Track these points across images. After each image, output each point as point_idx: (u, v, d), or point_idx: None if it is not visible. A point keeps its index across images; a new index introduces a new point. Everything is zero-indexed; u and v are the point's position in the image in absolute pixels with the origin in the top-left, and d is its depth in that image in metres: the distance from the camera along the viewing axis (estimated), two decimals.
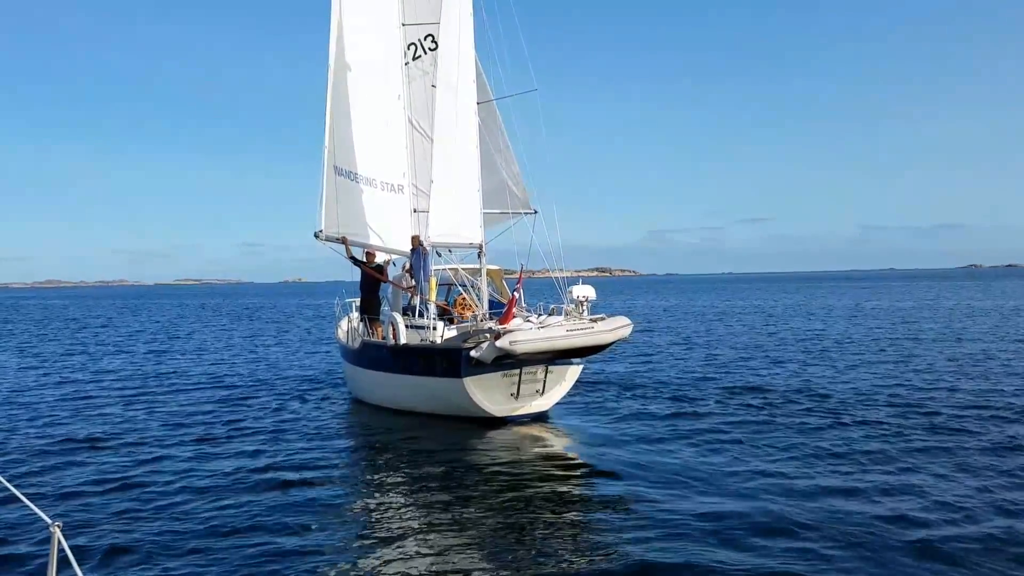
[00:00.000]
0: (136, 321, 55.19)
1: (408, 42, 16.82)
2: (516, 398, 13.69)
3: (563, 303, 13.75)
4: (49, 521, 3.84)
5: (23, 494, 4.53)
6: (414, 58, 16.55)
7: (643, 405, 15.39)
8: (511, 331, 12.48)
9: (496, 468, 10.89)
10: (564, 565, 7.32)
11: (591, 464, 11.25)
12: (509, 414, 13.77)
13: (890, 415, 13.80)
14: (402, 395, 14.68)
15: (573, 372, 14.40)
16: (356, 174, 16.73)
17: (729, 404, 15.31)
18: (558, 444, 12.71)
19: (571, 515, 8.89)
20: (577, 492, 9.96)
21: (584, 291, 13.69)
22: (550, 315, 13.73)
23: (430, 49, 16.33)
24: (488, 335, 12.67)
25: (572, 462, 11.54)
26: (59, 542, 3.79)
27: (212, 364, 24.84)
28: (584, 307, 13.63)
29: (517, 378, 13.50)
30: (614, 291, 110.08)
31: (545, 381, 13.85)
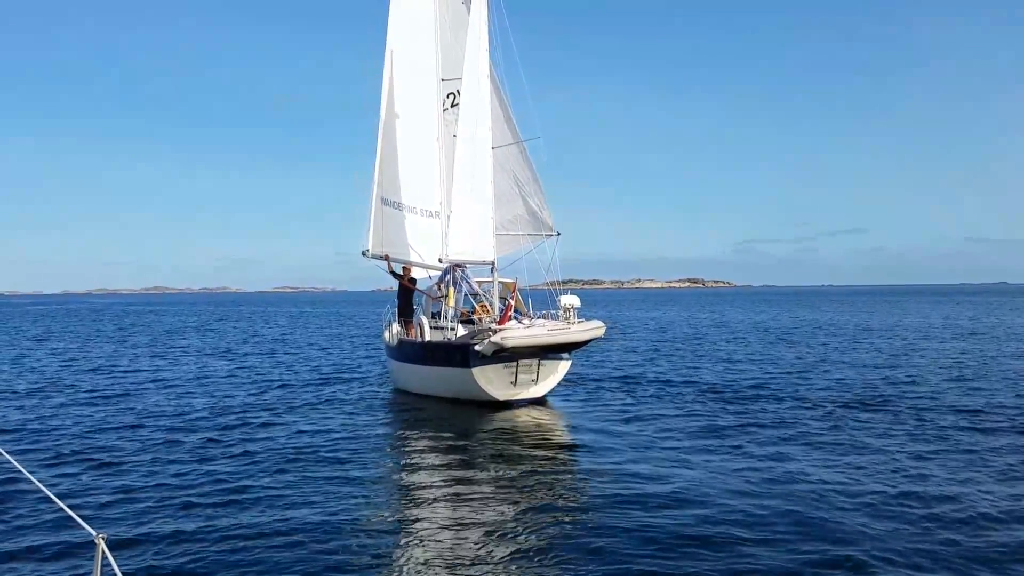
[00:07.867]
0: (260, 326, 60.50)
1: (442, 94, 20.43)
2: (515, 385, 17.04)
3: (558, 310, 17.21)
4: (94, 533, 3.78)
5: (67, 505, 4.49)
6: (443, 110, 20.10)
7: (638, 399, 18.21)
8: (504, 330, 15.91)
9: (497, 441, 13.72)
10: (541, 516, 9.06)
11: (573, 439, 14.10)
12: (510, 399, 17.08)
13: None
14: (428, 383, 18.19)
15: (563, 366, 17.69)
16: (400, 203, 20.48)
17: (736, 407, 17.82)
18: (549, 423, 15.68)
19: (552, 479, 10.96)
20: (559, 460, 12.37)
21: (570, 300, 17.07)
22: (540, 318, 17.14)
23: (456, 104, 19.87)
24: (488, 333, 16.10)
25: (559, 437, 14.42)
26: (104, 554, 3.72)
27: (280, 358, 28.96)
28: (571, 313, 17.00)
29: (515, 369, 16.87)
30: (705, 303, 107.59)
31: (538, 372, 17.17)
